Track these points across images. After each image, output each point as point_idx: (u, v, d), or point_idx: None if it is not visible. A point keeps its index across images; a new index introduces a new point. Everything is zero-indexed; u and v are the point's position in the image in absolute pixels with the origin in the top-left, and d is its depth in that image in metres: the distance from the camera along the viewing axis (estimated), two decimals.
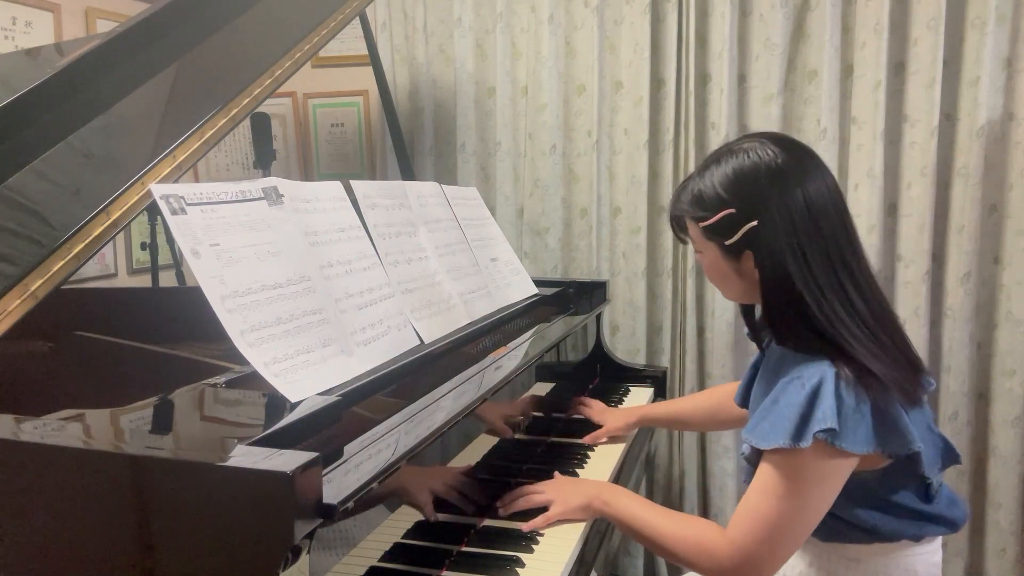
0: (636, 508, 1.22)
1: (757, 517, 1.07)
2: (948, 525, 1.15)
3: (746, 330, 1.33)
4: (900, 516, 1.12)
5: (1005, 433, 2.12)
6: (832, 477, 1.06)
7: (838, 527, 1.14)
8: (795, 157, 1.12)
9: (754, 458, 1.11)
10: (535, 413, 1.61)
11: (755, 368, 1.34)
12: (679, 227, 1.23)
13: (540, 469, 1.46)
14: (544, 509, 1.26)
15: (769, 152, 1.11)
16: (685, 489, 2.42)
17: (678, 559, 1.15)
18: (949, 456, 1.17)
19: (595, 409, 1.73)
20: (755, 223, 1.09)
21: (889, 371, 1.06)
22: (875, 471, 1.10)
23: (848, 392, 1.03)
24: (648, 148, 2.33)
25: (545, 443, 1.62)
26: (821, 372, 1.04)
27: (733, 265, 1.15)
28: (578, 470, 1.49)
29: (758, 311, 1.25)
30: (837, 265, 1.09)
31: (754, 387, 1.31)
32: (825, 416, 1.01)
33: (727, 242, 1.13)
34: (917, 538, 1.14)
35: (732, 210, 1.11)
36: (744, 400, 1.37)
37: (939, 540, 1.19)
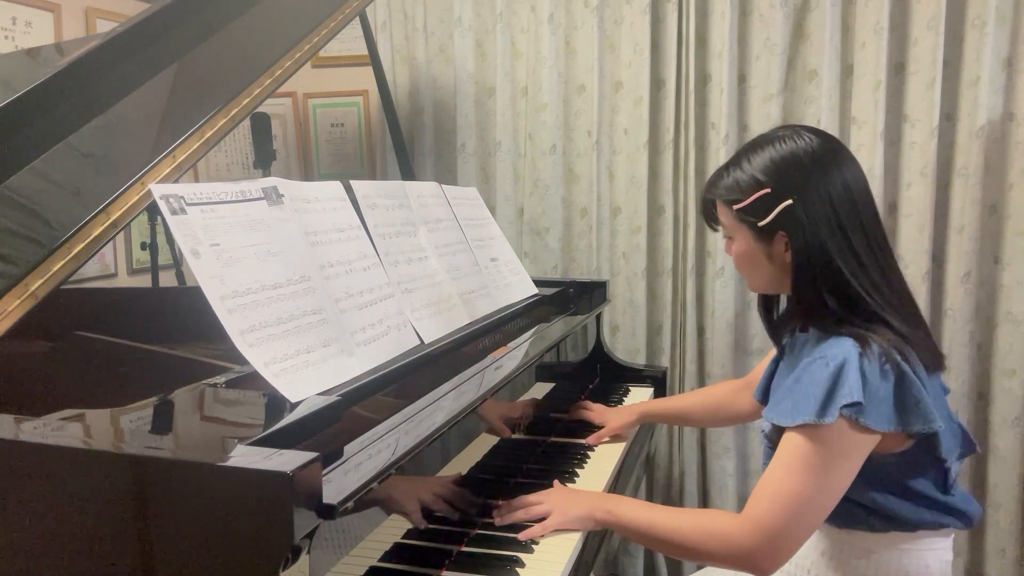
0: (641, 511, 1.20)
1: (778, 493, 1.07)
2: (963, 519, 1.16)
3: (765, 325, 1.35)
4: (918, 504, 1.14)
5: (1005, 433, 2.13)
6: (854, 454, 1.07)
7: (856, 513, 1.15)
8: (831, 144, 1.17)
9: (775, 436, 1.12)
10: (535, 413, 1.62)
11: (775, 364, 1.36)
12: (710, 213, 1.26)
13: (541, 469, 1.47)
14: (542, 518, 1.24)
15: (805, 139, 1.16)
16: (685, 489, 2.42)
17: (693, 552, 1.14)
18: (967, 444, 1.19)
19: (596, 411, 1.73)
20: (790, 202, 1.13)
21: (917, 335, 1.11)
22: (894, 455, 1.11)
23: (872, 369, 1.05)
24: (648, 148, 2.33)
25: (545, 442, 1.62)
26: (845, 351, 1.07)
27: (764, 248, 1.18)
28: (578, 469, 1.49)
29: (776, 307, 1.31)
30: (872, 243, 1.13)
31: (774, 381, 1.32)
32: (851, 391, 1.04)
33: (760, 223, 1.15)
34: (934, 527, 1.15)
35: (767, 190, 1.14)
36: (764, 397, 1.37)
37: (951, 538, 1.20)
